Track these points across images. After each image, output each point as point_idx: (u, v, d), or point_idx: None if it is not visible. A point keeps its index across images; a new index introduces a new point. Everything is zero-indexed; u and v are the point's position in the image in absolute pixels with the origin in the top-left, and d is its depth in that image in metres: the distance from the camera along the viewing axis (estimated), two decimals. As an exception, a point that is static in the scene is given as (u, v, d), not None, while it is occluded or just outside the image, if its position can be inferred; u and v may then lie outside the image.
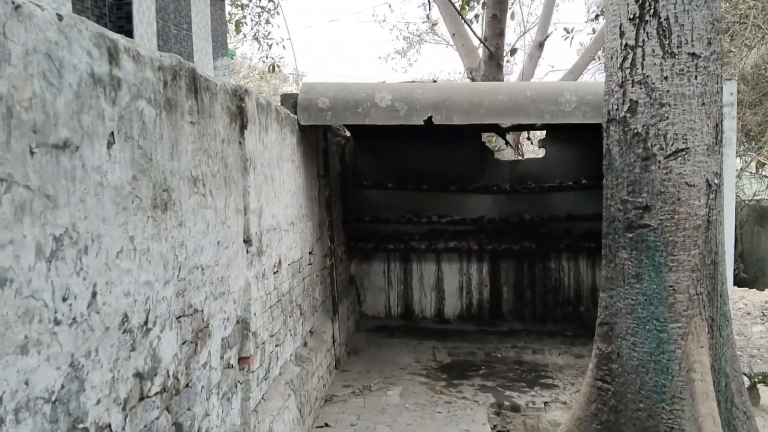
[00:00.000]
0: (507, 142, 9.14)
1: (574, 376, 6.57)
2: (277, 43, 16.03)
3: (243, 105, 3.71)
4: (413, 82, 8.28)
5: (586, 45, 12.94)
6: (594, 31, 14.56)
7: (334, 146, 8.01)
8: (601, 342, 3.94)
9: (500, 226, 8.72)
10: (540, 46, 12.37)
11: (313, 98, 5.69)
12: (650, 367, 3.66)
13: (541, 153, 9.34)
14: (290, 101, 5.87)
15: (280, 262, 4.73)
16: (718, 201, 3.68)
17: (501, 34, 10.77)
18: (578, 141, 8.89)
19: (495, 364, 7.03)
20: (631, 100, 3.71)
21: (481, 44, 10.68)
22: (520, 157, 9.39)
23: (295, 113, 5.64)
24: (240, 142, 3.70)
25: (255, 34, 17.19)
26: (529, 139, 10.66)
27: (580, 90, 5.72)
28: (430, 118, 5.60)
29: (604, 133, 3.90)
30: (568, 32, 14.93)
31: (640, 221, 3.70)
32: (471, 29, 10.68)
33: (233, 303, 3.55)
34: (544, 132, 9.13)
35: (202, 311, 3.05)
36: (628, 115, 3.74)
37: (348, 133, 9.02)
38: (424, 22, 18.64)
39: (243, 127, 3.72)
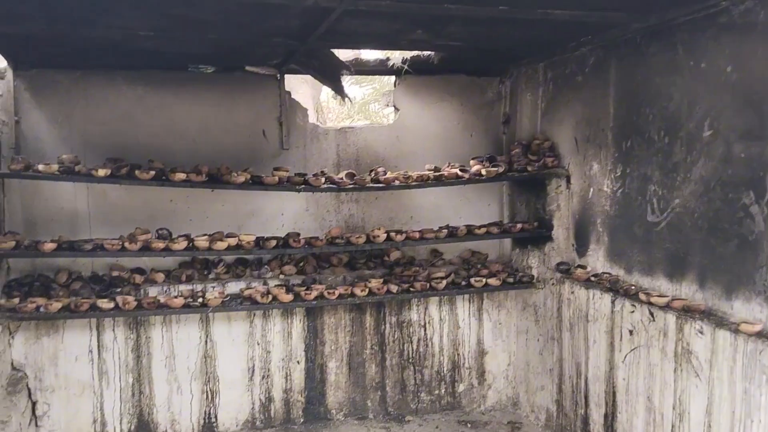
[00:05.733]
0: (342, 94, 4.99)
1: None
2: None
3: None
4: None
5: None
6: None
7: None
8: None
9: (324, 250, 4.63)
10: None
11: None
12: None
13: (390, 118, 5.43)
14: None
15: None
16: None
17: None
18: (462, 93, 5.16)
19: None
20: None
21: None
22: (349, 126, 5.38)
23: None
24: None
25: None
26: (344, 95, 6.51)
27: None
28: None
29: None
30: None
31: None
32: None
33: None
34: (393, 81, 5.21)
35: None
36: None
37: (3, 62, 4.26)
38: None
39: None
